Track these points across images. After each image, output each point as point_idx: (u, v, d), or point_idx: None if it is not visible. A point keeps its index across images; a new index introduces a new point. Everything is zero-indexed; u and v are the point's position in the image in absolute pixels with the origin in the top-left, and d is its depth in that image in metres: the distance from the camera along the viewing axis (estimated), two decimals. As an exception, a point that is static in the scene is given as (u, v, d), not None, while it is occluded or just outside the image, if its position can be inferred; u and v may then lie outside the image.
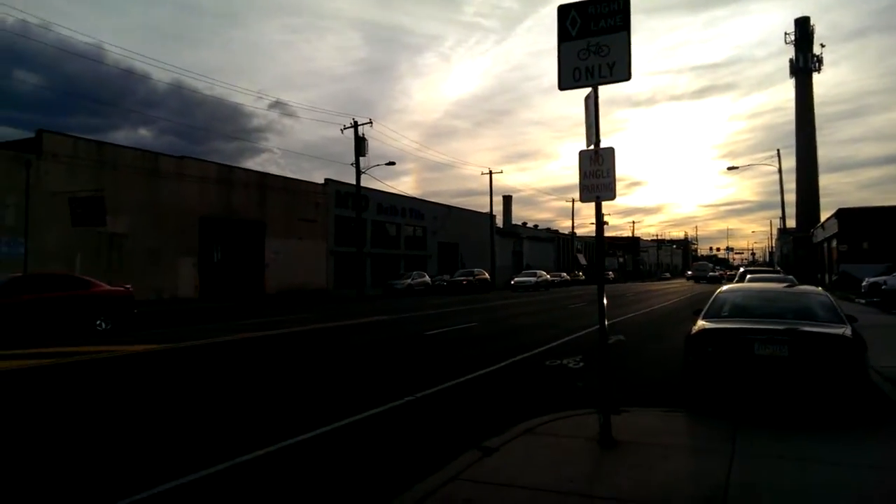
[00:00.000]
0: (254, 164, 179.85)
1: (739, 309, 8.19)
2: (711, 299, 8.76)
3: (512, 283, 52.03)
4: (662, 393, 8.56)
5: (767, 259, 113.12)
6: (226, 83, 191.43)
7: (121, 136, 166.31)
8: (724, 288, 9.49)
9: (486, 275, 50.41)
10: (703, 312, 8.32)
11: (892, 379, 8.65)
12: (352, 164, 42.03)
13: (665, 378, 9.73)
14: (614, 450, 5.66)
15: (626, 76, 5.60)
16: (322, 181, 46.77)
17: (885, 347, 10.79)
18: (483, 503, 4.41)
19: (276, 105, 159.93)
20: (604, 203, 6.02)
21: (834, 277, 42.56)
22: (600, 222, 6.04)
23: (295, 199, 43.18)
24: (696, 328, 7.66)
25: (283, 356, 12.51)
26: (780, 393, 6.84)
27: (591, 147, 5.89)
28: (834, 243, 45.54)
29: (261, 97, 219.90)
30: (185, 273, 34.68)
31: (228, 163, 43.97)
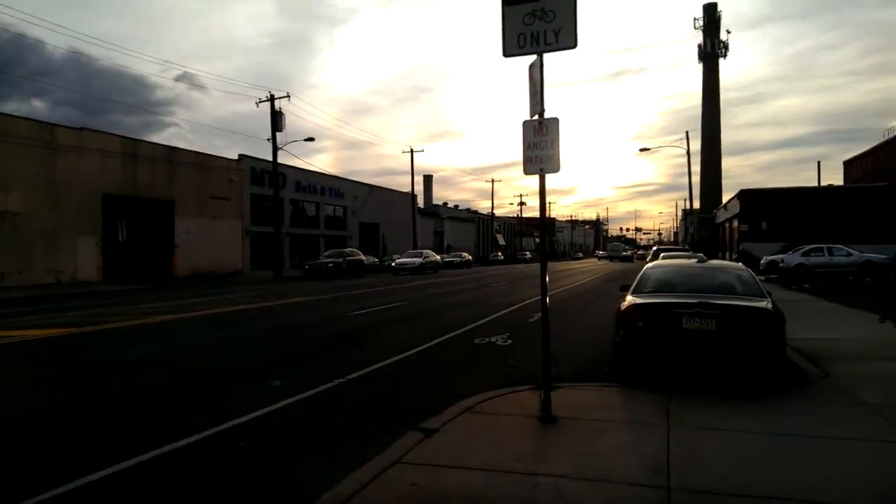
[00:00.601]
0: (160, 139, 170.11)
1: (667, 284, 8.38)
2: (640, 275, 8.93)
3: (393, 264, 44.79)
4: (592, 368, 8.68)
5: (673, 239, 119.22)
6: (129, 51, 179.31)
7: (11, 108, 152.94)
8: (651, 264, 9.72)
9: (361, 256, 43.23)
10: (631, 288, 8.46)
11: (798, 349, 9.16)
12: (268, 140, 40.60)
13: (593, 354, 9.89)
14: (555, 426, 5.64)
15: (573, 43, 5.48)
16: (236, 157, 44.78)
17: (791, 320, 11.46)
18: (430, 486, 4.24)
19: (184, 77, 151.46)
20: (541, 177, 5.91)
21: (734, 256, 45.25)
22: (544, 196, 5.94)
23: (207, 176, 41.08)
24: (625, 304, 7.77)
25: (204, 341, 11.81)
26: (707, 364, 7.05)
27: (536, 117, 5.75)
28: (735, 223, 48.37)
29: (167, 68, 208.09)
30: (86, 254, 32.34)
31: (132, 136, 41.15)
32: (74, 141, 32.02)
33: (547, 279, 6.20)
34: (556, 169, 5.81)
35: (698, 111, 72.52)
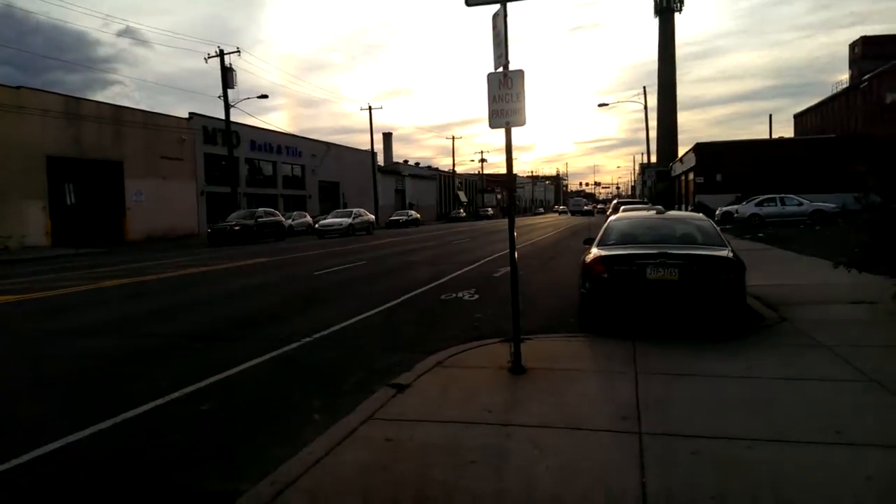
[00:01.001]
0: (104, 98, 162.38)
1: (630, 236, 8.43)
2: (603, 228, 8.98)
3: (317, 226, 39.28)
4: (557, 321, 8.76)
5: (630, 193, 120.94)
6: (67, 5, 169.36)
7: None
8: (614, 217, 9.79)
9: (279, 216, 37.59)
10: (596, 241, 8.50)
11: (756, 296, 9.40)
12: (219, 97, 39.18)
13: (558, 307, 9.98)
14: (525, 377, 5.67)
15: (539, -11, 5.29)
16: (186, 116, 43.13)
17: (748, 268, 11.76)
18: (405, 440, 4.21)
19: (127, 32, 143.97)
20: (507, 131, 5.78)
21: (690, 208, 46.18)
22: (510, 151, 5.83)
23: (156, 136, 39.49)
24: (591, 256, 7.80)
25: (159, 305, 11.48)
26: (671, 313, 7.18)
27: (500, 69, 5.59)
28: (691, 176, 49.23)
29: (108, 22, 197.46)
30: (33, 218, 31.00)
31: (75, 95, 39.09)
32: (12, 100, 30.26)
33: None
34: (521, 122, 5.70)
35: (655, 66, 72.69)
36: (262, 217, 34.84)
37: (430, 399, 5.10)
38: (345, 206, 60.56)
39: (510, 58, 5.59)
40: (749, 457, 3.80)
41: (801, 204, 31.29)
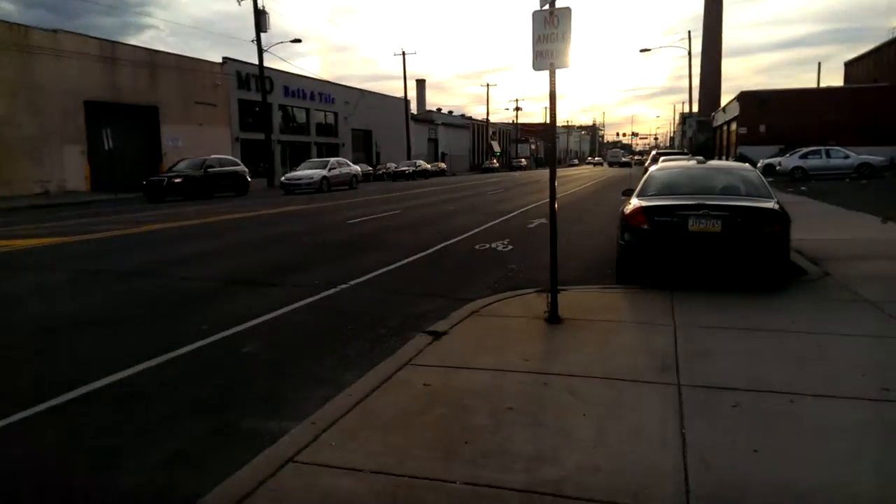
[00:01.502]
0: (138, 42, 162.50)
1: (671, 187, 8.20)
2: (644, 178, 8.76)
3: (283, 179, 32.24)
4: (593, 273, 8.69)
5: (669, 143, 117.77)
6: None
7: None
8: (655, 167, 9.52)
9: (237, 167, 30.85)
10: (636, 191, 8.30)
11: (798, 250, 9.13)
12: (252, 42, 38.86)
13: (593, 259, 9.88)
14: (562, 327, 5.65)
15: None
16: (220, 60, 43.00)
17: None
18: (443, 386, 4.26)
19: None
20: (551, 73, 5.58)
21: (731, 159, 44.86)
22: (554, 95, 5.64)
23: (191, 81, 39.58)
24: (630, 207, 7.63)
25: (198, 249, 11.70)
26: (712, 265, 7.03)
27: (546, 7, 5.37)
28: (733, 126, 47.59)
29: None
30: (72, 163, 31.66)
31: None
32: (50, 44, 30.50)
33: (556, 184, 6.00)
34: (567, 64, 5.49)
35: (700, 10, 69.38)
36: (213, 167, 28.48)
37: (467, 346, 5.13)
38: (377, 155, 60.40)
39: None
40: (791, 410, 3.75)
41: (847, 157, 30.06)
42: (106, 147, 28.22)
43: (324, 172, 31.24)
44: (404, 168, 52.97)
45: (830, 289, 6.94)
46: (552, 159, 5.99)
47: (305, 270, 9.12)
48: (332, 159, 34.46)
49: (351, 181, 34.28)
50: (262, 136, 41.54)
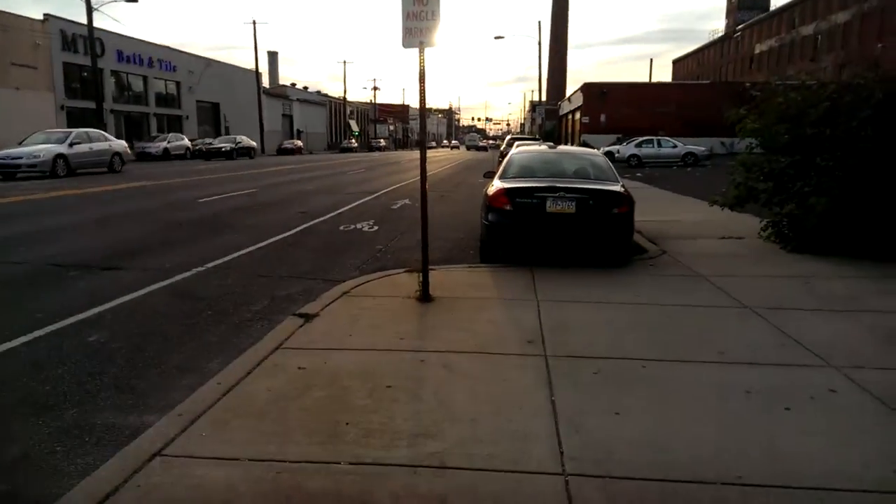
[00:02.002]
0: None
1: (530, 170, 8.61)
2: (505, 161, 9.10)
3: None
4: (458, 252, 8.92)
5: (520, 130, 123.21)
6: None
7: None
8: (516, 150, 9.91)
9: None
10: (498, 174, 8.61)
11: (638, 230, 9.98)
12: None
13: (457, 237, 10.14)
14: (433, 305, 5.75)
15: None
16: (40, 17, 38.08)
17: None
18: (318, 369, 4.16)
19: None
20: (420, 51, 5.59)
21: (577, 146, 47.92)
22: (423, 74, 5.64)
23: (5, 38, 34.67)
24: (493, 188, 7.90)
25: (20, 231, 10.36)
26: (568, 244, 7.50)
27: (416, -15, 5.34)
28: (577, 115, 50.90)
29: None
30: None
31: None
32: None
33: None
34: (433, 42, 5.54)
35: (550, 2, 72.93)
36: None
37: (340, 328, 5.05)
38: (227, 129, 56.88)
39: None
40: (645, 375, 4.12)
41: (675, 146, 33.36)
42: None
43: (61, 149, 22.57)
44: (222, 145, 43.86)
45: (668, 265, 7.68)
46: (422, 139, 6.04)
47: (153, 254, 8.42)
48: (79, 130, 25.20)
49: (111, 162, 25.24)
50: (92, 105, 37.54)
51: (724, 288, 6.41)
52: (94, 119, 37.33)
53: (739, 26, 76.82)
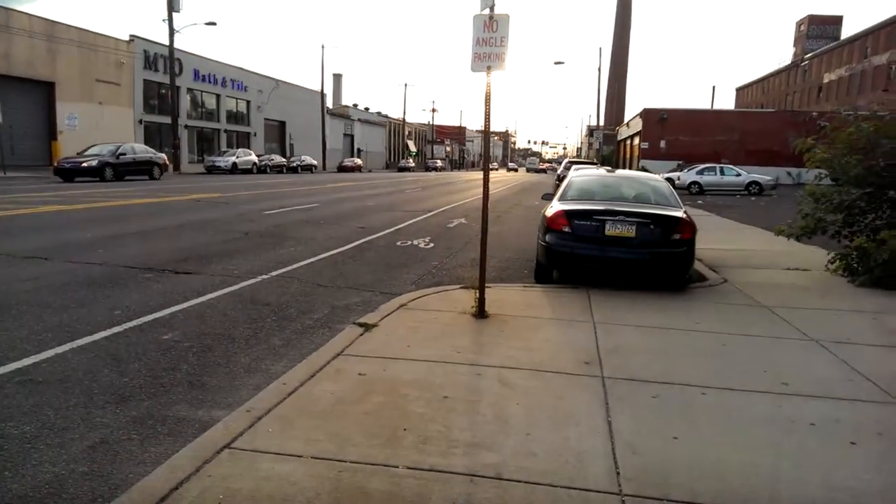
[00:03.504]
0: (36, 10, 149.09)
1: (589, 192, 8.61)
2: (564, 183, 9.12)
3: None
4: (513, 271, 8.98)
5: (576, 154, 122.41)
6: None
7: None
8: (575, 174, 9.93)
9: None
10: (557, 196, 8.64)
11: (699, 258, 9.75)
12: (164, 21, 36.97)
13: (512, 257, 10.20)
14: (489, 322, 5.81)
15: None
16: (126, 38, 40.50)
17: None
18: (378, 376, 4.27)
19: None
20: (488, 75, 5.73)
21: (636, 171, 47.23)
22: (488, 96, 5.78)
23: (93, 57, 37.03)
24: (552, 210, 7.93)
25: (101, 234, 10.99)
26: (626, 268, 7.44)
27: (486, 11, 5.50)
28: (636, 140, 50.27)
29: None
30: (-49, 136, 28.78)
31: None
32: (-73, 3, 27.58)
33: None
34: (503, 67, 5.67)
35: (611, 29, 72.72)
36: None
37: (399, 338, 5.17)
38: (291, 148, 58.87)
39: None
40: (704, 402, 4.06)
41: (738, 175, 32.51)
42: (-7, 121, 25.88)
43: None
44: (286, 162, 48.00)
45: (729, 294, 7.52)
46: (486, 160, 6.15)
47: (221, 260, 8.80)
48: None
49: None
50: (168, 120, 39.55)
51: (788, 319, 6.23)
52: (169, 133, 39.35)
53: (808, 55, 74.57)
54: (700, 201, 25.14)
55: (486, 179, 6.11)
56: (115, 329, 5.34)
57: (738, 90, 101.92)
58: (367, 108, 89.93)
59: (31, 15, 33.64)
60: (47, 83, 34.19)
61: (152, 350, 4.93)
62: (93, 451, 3.34)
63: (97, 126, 37.23)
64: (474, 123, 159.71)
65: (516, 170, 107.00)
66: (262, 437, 3.33)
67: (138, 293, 6.67)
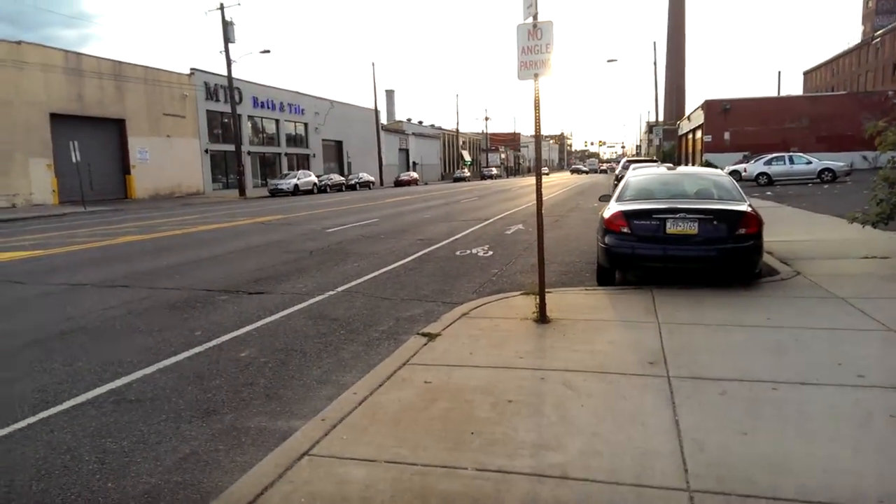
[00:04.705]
0: (102, 53, 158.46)
1: (647, 191, 8.50)
2: (622, 183, 9.04)
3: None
4: (572, 275, 8.95)
5: (636, 151, 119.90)
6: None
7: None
8: (631, 173, 9.82)
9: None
10: (614, 196, 8.58)
11: (769, 251, 9.46)
12: (221, 53, 38.70)
13: (572, 260, 10.17)
14: (551, 326, 5.84)
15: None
16: (187, 71, 42.63)
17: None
18: (443, 383, 4.40)
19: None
20: (535, 82, 5.80)
21: (699, 166, 45.92)
22: (537, 101, 5.86)
23: (158, 92, 39.18)
24: (610, 211, 7.88)
25: (178, 260, 11.63)
26: (690, 267, 7.31)
27: (530, 20, 5.60)
28: (699, 134, 48.86)
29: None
30: (39, 176, 31.05)
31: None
32: (13, 55, 29.97)
33: (542, 192, 6.23)
34: (550, 73, 5.74)
35: (665, 19, 71.19)
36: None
37: (462, 346, 5.29)
38: (349, 166, 60.44)
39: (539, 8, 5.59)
40: (775, 397, 3.98)
41: (809, 162, 31.11)
42: (73, 160, 27.76)
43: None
44: (345, 180, 49.84)
45: (802, 287, 7.27)
46: (538, 166, 6.22)
47: (290, 279, 9.17)
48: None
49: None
50: (231, 148, 41.30)
51: (865, 310, 5.98)
52: (233, 160, 41.04)
53: (878, 32, 70.65)
54: (769, 192, 24.23)
55: (538, 184, 6.18)
56: (197, 349, 5.69)
57: (806, 74, 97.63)
58: (420, 122, 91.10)
59: (99, 57, 35.92)
60: (118, 120, 36.36)
61: (231, 367, 5.22)
62: (184, 461, 3.60)
63: (167, 158, 39.31)
64: (528, 129, 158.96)
65: (587, 171, 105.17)
66: (338, 443, 3.50)
67: (215, 314, 7.05)
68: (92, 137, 33.69)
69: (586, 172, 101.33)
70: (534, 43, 5.63)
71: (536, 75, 5.72)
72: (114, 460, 3.63)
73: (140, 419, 4.19)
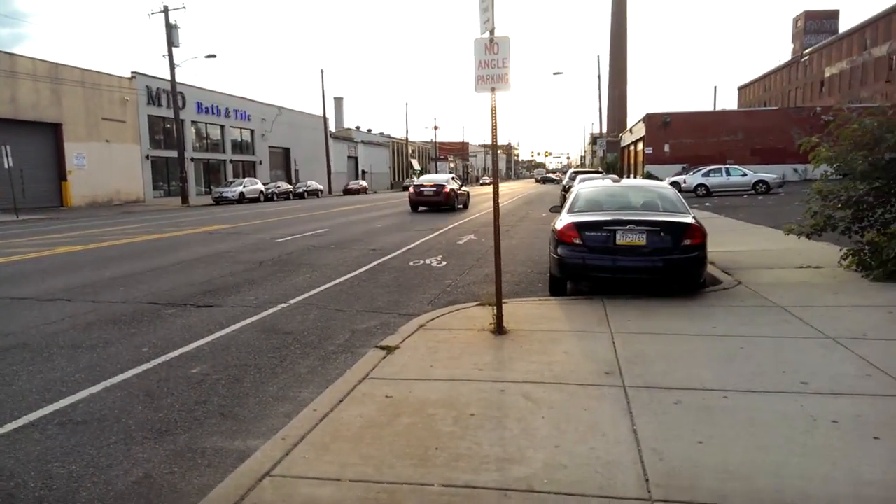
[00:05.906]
0: (38, 55, 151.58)
1: (598, 203, 8.71)
2: (572, 195, 9.24)
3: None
4: (525, 284, 9.08)
5: (580, 162, 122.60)
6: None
7: None
8: (581, 185, 10.05)
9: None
10: (566, 208, 8.75)
11: (711, 261, 9.83)
12: (164, 56, 37.63)
13: (524, 271, 10.30)
14: (508, 338, 5.90)
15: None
16: (128, 75, 41.22)
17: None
18: (404, 397, 4.38)
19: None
20: (492, 96, 5.88)
21: (640, 178, 47.32)
22: (495, 115, 5.93)
23: (97, 96, 37.73)
24: (562, 222, 8.04)
25: (121, 272, 11.18)
26: (639, 277, 7.52)
27: (487, 34, 5.67)
28: (640, 146, 50.38)
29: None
30: (-35, 183, 29.33)
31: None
32: (-63, 54, 28.28)
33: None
34: (507, 87, 5.82)
35: (608, 33, 73.34)
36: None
37: (421, 359, 5.28)
38: (296, 173, 59.56)
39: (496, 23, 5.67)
40: (726, 405, 4.13)
41: (745, 174, 32.51)
42: (5, 165, 26.38)
43: None
44: (292, 188, 49.29)
45: (744, 296, 7.58)
46: (495, 176, 6.29)
47: (239, 292, 8.95)
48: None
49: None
50: (174, 154, 40.13)
51: (804, 318, 6.29)
52: (175, 167, 39.86)
53: (807, 50, 74.74)
54: (708, 203, 25.16)
55: (496, 194, 6.25)
56: (145, 366, 5.49)
57: (741, 89, 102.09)
58: (369, 130, 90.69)
59: (34, 59, 34.34)
60: (54, 124, 34.82)
61: (182, 384, 5.06)
62: (138, 486, 3.46)
63: (106, 164, 37.86)
64: (477, 138, 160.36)
65: (553, 181, 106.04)
66: (300, 463, 3.44)
67: (163, 329, 6.82)
68: (26, 142, 32.11)
69: (541, 181, 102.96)
70: (491, 57, 5.71)
71: (494, 89, 5.80)
72: (62, 486, 3.46)
73: (88, 441, 4.01)
